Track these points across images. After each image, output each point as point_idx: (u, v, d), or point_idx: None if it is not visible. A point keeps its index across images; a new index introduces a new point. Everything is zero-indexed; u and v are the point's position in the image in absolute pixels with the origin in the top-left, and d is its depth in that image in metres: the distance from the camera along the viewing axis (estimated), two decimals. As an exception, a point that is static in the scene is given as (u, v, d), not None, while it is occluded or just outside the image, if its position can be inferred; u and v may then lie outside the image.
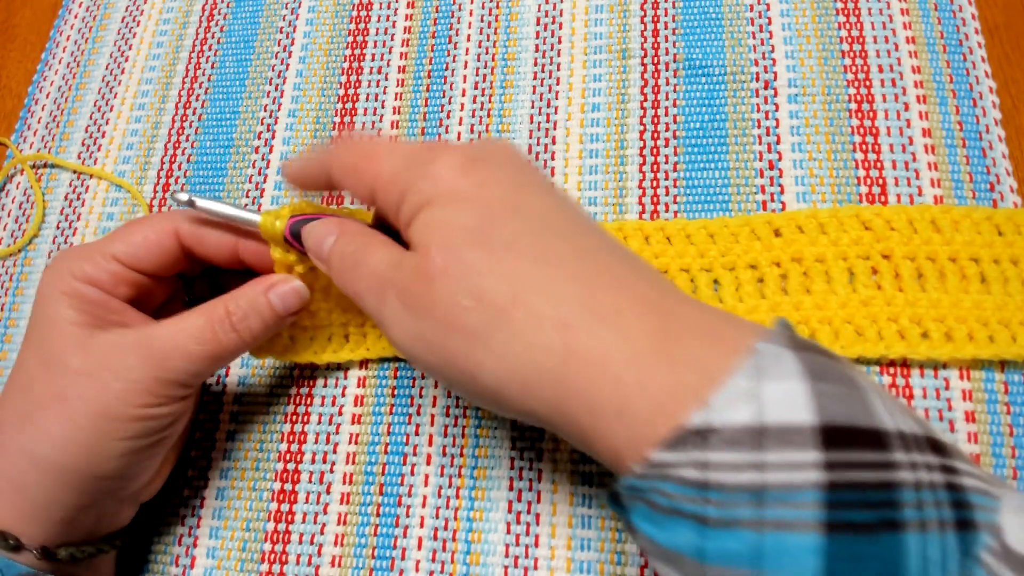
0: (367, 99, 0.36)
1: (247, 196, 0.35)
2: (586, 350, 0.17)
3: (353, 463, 0.30)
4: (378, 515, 0.29)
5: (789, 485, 0.15)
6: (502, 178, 0.20)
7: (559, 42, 0.35)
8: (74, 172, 0.37)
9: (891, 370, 0.28)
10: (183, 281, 0.29)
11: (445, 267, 0.19)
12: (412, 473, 0.29)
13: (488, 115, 0.35)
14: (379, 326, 0.22)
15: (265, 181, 0.35)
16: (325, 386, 0.31)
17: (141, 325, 0.25)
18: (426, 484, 0.29)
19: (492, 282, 0.18)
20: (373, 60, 0.37)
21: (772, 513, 0.15)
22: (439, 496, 0.29)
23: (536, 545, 0.28)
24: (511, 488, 0.28)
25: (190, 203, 0.25)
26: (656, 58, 0.34)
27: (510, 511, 0.28)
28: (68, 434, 0.23)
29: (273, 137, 0.36)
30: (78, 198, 0.37)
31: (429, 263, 0.19)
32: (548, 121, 0.34)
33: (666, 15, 0.35)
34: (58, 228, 0.36)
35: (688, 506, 0.16)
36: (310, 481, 0.30)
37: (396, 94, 0.36)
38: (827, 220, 0.29)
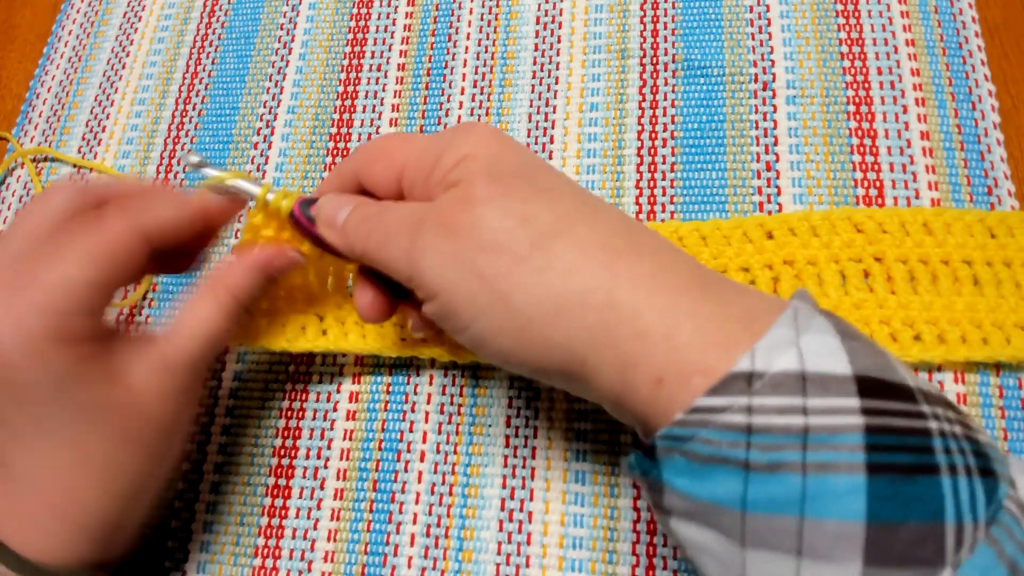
0: (366, 96, 0.36)
1: (245, 192, 0.35)
2: (630, 277, 0.18)
3: (347, 459, 0.30)
4: (371, 511, 0.29)
5: (833, 428, 0.15)
6: (526, 152, 0.21)
7: (558, 41, 0.35)
8: (74, 166, 0.37)
9: (886, 372, 0.28)
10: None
11: (490, 193, 0.19)
12: (406, 470, 0.29)
13: (487, 113, 0.35)
14: (409, 267, 0.20)
15: (264, 177, 0.35)
16: (320, 382, 0.31)
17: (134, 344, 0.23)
18: (419, 481, 0.29)
19: (538, 208, 0.19)
20: (373, 58, 0.37)
21: (816, 456, 0.15)
22: (432, 493, 0.29)
23: (528, 543, 0.28)
24: (504, 486, 0.29)
25: (200, 165, 0.25)
26: (655, 58, 0.34)
27: (503, 509, 0.28)
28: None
29: (272, 133, 0.36)
30: (78, 192, 0.37)
31: (472, 190, 0.19)
32: (546, 120, 0.34)
33: (665, 15, 0.35)
34: (57, 222, 0.36)
35: (732, 452, 0.16)
36: (304, 476, 0.30)
37: (395, 92, 0.36)
38: (819, 223, 0.29)
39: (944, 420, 0.16)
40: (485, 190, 0.19)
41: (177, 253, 0.26)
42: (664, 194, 0.32)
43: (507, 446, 0.29)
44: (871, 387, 0.16)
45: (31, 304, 0.20)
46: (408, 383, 0.31)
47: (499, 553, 0.28)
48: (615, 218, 0.20)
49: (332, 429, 0.30)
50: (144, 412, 0.23)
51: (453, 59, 0.36)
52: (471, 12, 0.37)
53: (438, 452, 0.29)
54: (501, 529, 0.28)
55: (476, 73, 0.36)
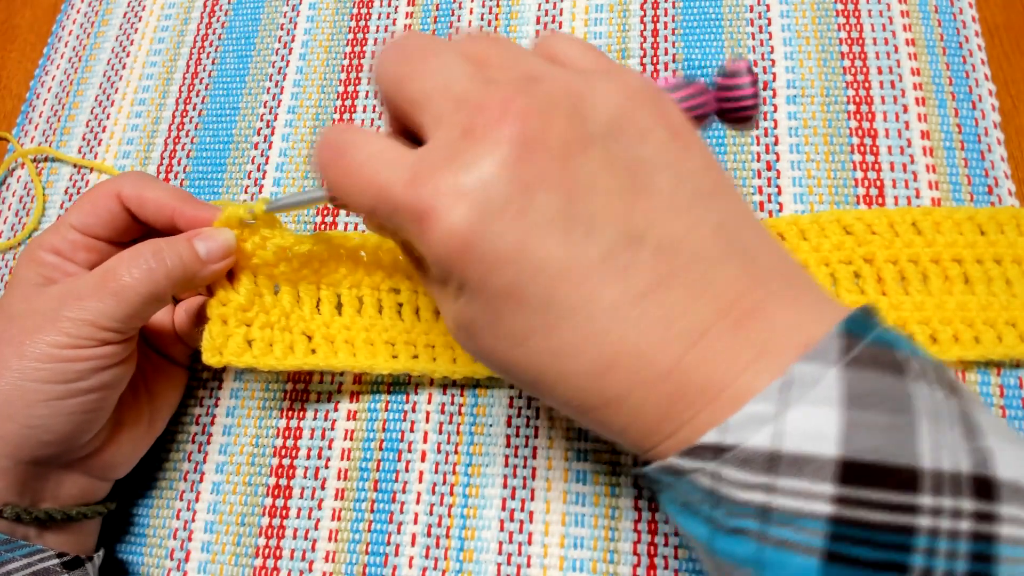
0: (367, 96, 0.36)
1: (246, 192, 0.35)
2: (607, 396, 0.17)
3: (348, 459, 0.30)
4: (372, 511, 0.29)
5: (797, 511, 0.15)
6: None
7: (559, 41, 0.35)
8: (74, 166, 0.37)
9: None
10: None
11: (477, 351, 0.20)
12: (407, 469, 0.29)
13: (487, 113, 0.35)
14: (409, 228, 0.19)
15: (264, 177, 0.35)
16: (321, 382, 0.31)
17: None
18: (420, 480, 0.29)
19: (518, 374, 0.19)
20: (373, 58, 0.37)
21: (776, 532, 0.15)
22: (433, 493, 0.29)
23: (529, 543, 0.28)
24: (505, 486, 0.29)
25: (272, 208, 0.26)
26: (655, 58, 0.34)
27: (504, 508, 0.28)
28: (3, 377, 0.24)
29: (272, 133, 0.36)
30: (78, 192, 0.37)
31: (463, 340, 0.20)
32: (547, 120, 0.34)
33: (666, 15, 0.35)
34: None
35: (701, 507, 0.17)
36: (305, 476, 0.30)
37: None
38: (808, 226, 0.29)
39: (949, 517, 0.15)
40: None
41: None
42: (665, 194, 0.32)
43: (508, 446, 0.29)
44: (856, 473, 0.15)
45: (41, 234, 0.27)
46: (409, 383, 0.31)
47: (500, 553, 0.28)
48: (648, 275, 0.17)
49: (333, 429, 0.30)
50: (18, 328, 0.25)
51: (453, 59, 0.36)
52: (471, 12, 0.37)
53: (439, 452, 0.29)
54: (502, 529, 0.28)
55: (476, 73, 0.36)
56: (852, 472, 0.15)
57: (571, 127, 0.17)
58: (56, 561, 0.25)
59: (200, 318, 0.29)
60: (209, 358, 0.27)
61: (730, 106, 0.21)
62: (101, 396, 0.26)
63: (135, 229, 0.28)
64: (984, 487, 0.15)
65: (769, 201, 0.31)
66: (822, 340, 0.16)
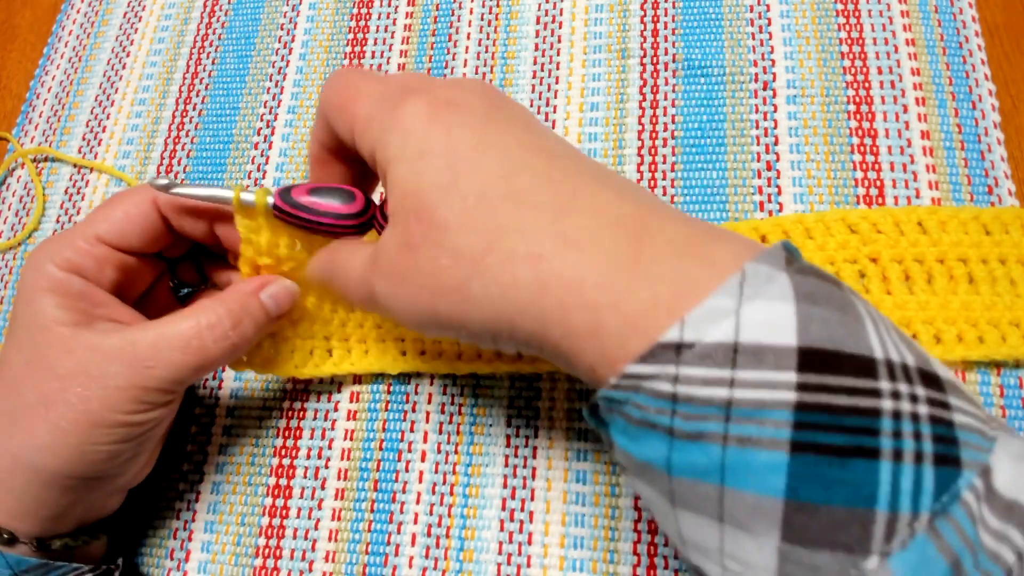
0: (367, 96, 0.36)
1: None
2: (558, 278, 0.17)
3: (348, 459, 0.30)
4: (372, 511, 0.29)
5: (759, 402, 0.15)
6: (471, 119, 0.20)
7: (559, 41, 0.35)
8: (74, 166, 0.37)
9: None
10: (168, 264, 0.29)
11: (422, 235, 0.19)
12: (407, 469, 0.29)
13: (487, 113, 0.35)
14: (380, 315, 0.22)
15: (264, 177, 0.35)
16: (321, 382, 0.31)
17: (126, 321, 0.25)
18: (420, 480, 0.29)
19: (465, 237, 0.18)
20: (373, 58, 0.37)
21: (739, 429, 0.15)
22: (433, 492, 0.29)
23: (529, 543, 0.28)
24: (505, 485, 0.29)
25: (168, 186, 0.24)
26: (655, 58, 0.34)
27: (504, 508, 0.28)
28: (54, 440, 0.23)
29: (272, 133, 0.36)
30: (78, 192, 0.37)
31: (407, 234, 0.19)
32: (547, 120, 0.34)
33: (666, 15, 0.35)
34: (58, 222, 0.36)
35: (659, 418, 0.16)
36: (305, 476, 0.30)
37: (396, 91, 0.36)
38: (813, 225, 0.29)
39: (906, 398, 0.15)
40: (419, 231, 0.19)
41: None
42: (664, 194, 0.32)
43: (508, 446, 0.29)
44: (817, 360, 0.15)
45: (52, 247, 0.25)
46: (409, 383, 0.31)
47: (500, 553, 0.28)
48: (546, 198, 0.18)
49: (333, 429, 0.30)
50: (81, 394, 0.23)
51: (453, 59, 0.36)
52: (471, 12, 0.37)
53: (439, 452, 0.29)
54: (502, 529, 0.28)
55: (476, 73, 0.36)
56: (812, 359, 0.15)
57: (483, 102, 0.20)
58: None
59: None
60: (235, 365, 0.28)
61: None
62: (154, 440, 0.26)
63: (166, 240, 0.27)
64: (931, 379, 0.16)
65: (769, 201, 0.31)
66: (770, 248, 0.17)
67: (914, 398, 0.15)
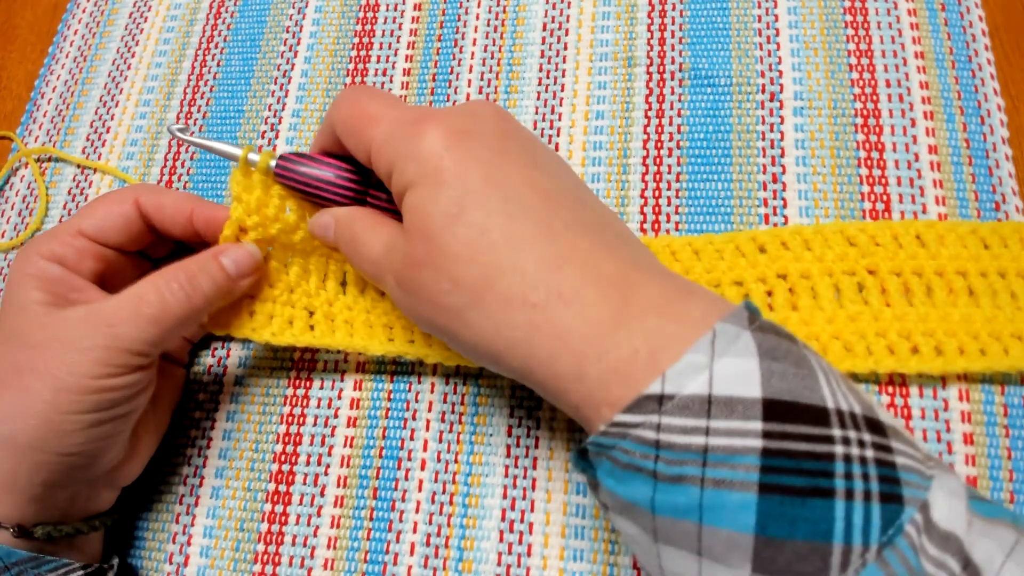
0: (371, 101, 0.36)
1: (249, 195, 0.35)
2: (549, 326, 0.19)
3: (348, 466, 0.30)
4: (371, 519, 0.29)
5: (731, 448, 0.17)
6: (483, 153, 0.21)
7: (565, 48, 0.35)
8: (78, 166, 0.37)
9: (889, 389, 0.28)
10: (152, 264, 0.30)
11: (427, 256, 0.21)
12: (406, 478, 0.29)
13: (492, 120, 0.34)
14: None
15: (268, 181, 0.35)
16: (322, 388, 0.31)
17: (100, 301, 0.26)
18: (420, 489, 0.29)
19: (465, 269, 0.20)
20: (378, 62, 0.37)
21: (714, 472, 0.17)
22: (433, 502, 0.29)
23: (529, 554, 0.28)
24: (505, 496, 0.28)
25: (183, 130, 0.28)
26: (662, 67, 0.34)
27: (503, 519, 0.28)
28: (25, 409, 0.23)
29: (276, 136, 0.36)
30: (81, 192, 0.37)
31: (414, 251, 0.21)
32: (552, 128, 0.34)
33: (673, 24, 0.35)
34: (60, 222, 0.36)
35: (644, 462, 0.18)
36: (304, 483, 0.30)
37: (401, 97, 0.36)
38: (811, 236, 0.29)
39: (855, 444, 0.17)
40: (423, 252, 0.21)
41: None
42: (669, 204, 0.32)
43: (508, 456, 0.29)
44: (778, 411, 0.17)
45: (40, 240, 0.27)
46: (410, 391, 0.31)
47: (499, 564, 0.28)
48: (543, 250, 0.20)
49: (333, 435, 0.30)
50: (50, 360, 0.24)
51: (459, 65, 0.36)
52: (477, 18, 0.37)
53: (439, 461, 0.29)
54: (502, 540, 0.28)
55: (482, 80, 0.35)
56: (775, 409, 0.17)
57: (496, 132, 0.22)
58: (81, 573, 0.26)
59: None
60: (212, 325, 0.28)
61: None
62: (130, 417, 0.26)
63: (147, 237, 0.28)
64: (876, 425, 0.18)
65: (774, 213, 0.31)
66: (735, 309, 0.19)
67: (861, 443, 0.17)
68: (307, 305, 0.29)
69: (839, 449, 0.17)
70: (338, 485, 0.30)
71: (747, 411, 0.17)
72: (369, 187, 0.26)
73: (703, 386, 0.17)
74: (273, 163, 0.27)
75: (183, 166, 0.36)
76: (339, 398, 0.31)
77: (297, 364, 0.32)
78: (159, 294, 0.25)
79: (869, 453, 0.17)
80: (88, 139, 0.38)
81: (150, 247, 0.30)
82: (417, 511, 0.29)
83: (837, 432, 0.17)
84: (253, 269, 0.28)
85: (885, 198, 0.30)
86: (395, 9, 0.38)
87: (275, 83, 0.37)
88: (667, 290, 0.20)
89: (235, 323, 0.29)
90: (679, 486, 0.17)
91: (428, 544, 0.28)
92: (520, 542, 0.28)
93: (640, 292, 0.19)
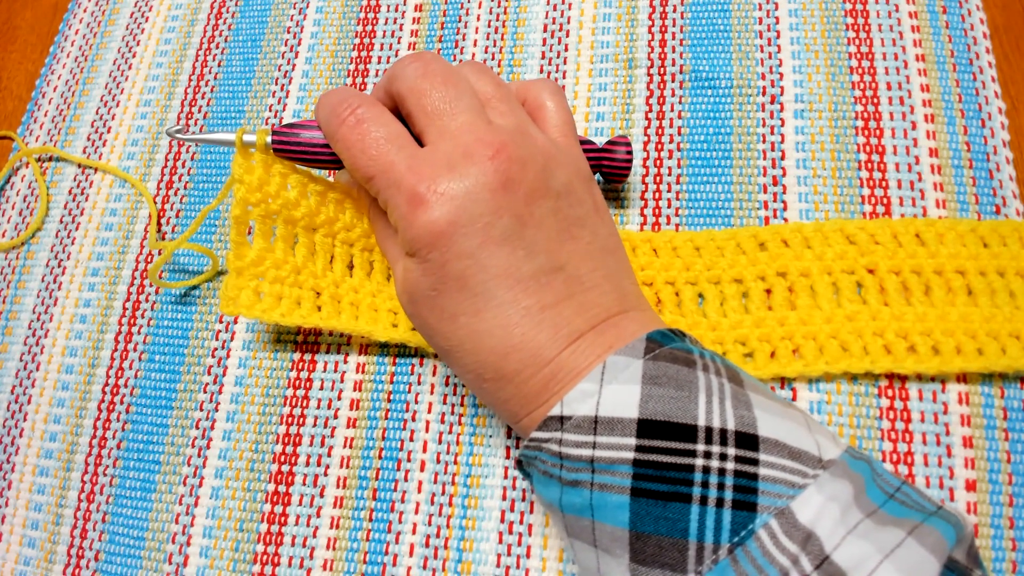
0: (372, 102, 0.36)
1: (250, 196, 0.35)
2: (496, 395, 0.24)
3: (347, 467, 0.30)
4: (371, 520, 0.29)
5: (611, 459, 0.20)
6: (467, 246, 0.23)
7: (566, 50, 0.35)
8: (79, 166, 0.37)
9: (889, 392, 0.28)
10: None
11: (415, 310, 0.24)
12: (406, 479, 0.29)
13: (493, 121, 0.34)
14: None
15: (268, 181, 0.35)
16: (321, 388, 0.31)
17: None
18: (419, 491, 0.29)
19: (440, 338, 0.24)
20: (379, 63, 0.37)
21: (600, 478, 0.20)
22: (432, 503, 0.29)
23: (528, 556, 0.28)
24: (504, 498, 0.28)
25: (180, 131, 0.29)
26: (663, 68, 0.34)
27: (503, 521, 0.28)
28: None
29: (277, 137, 0.36)
30: (82, 192, 0.37)
31: (408, 294, 0.25)
32: (552, 129, 0.34)
33: (674, 26, 0.35)
34: (61, 222, 0.36)
35: (553, 470, 0.21)
36: (304, 483, 0.30)
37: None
38: (812, 234, 0.29)
39: (717, 458, 0.19)
40: (411, 310, 0.25)
41: None
42: (669, 206, 0.32)
43: (508, 457, 0.29)
44: (651, 428, 0.20)
45: None
46: (409, 392, 0.31)
47: (498, 566, 0.28)
48: (507, 312, 0.23)
49: (332, 436, 0.30)
50: None
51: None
52: (478, 19, 0.37)
53: (438, 462, 0.29)
54: (500, 541, 0.28)
55: (483, 80, 0.35)
56: (647, 428, 0.20)
57: (539, 180, 0.23)
58: None
59: None
60: (224, 307, 0.29)
61: (607, 167, 0.30)
62: None
63: None
64: (747, 440, 0.20)
65: (775, 216, 0.31)
66: (633, 342, 0.22)
67: (723, 456, 0.19)
68: (314, 286, 0.30)
69: (699, 461, 0.19)
70: (337, 486, 0.30)
71: (624, 429, 0.20)
72: None
73: (592, 408, 0.21)
74: (269, 139, 0.27)
75: (184, 166, 0.36)
76: (339, 399, 0.31)
77: (297, 365, 0.32)
78: None
79: (729, 465, 0.19)
80: (89, 139, 0.38)
81: None
82: (416, 512, 0.29)
83: (701, 447, 0.19)
84: None
85: (886, 201, 0.30)
86: (396, 10, 0.38)
87: (276, 83, 0.37)
88: (590, 348, 0.22)
89: (245, 304, 0.29)
90: (576, 489, 0.21)
91: (427, 545, 0.28)
92: (519, 544, 0.28)
93: (567, 363, 0.22)
